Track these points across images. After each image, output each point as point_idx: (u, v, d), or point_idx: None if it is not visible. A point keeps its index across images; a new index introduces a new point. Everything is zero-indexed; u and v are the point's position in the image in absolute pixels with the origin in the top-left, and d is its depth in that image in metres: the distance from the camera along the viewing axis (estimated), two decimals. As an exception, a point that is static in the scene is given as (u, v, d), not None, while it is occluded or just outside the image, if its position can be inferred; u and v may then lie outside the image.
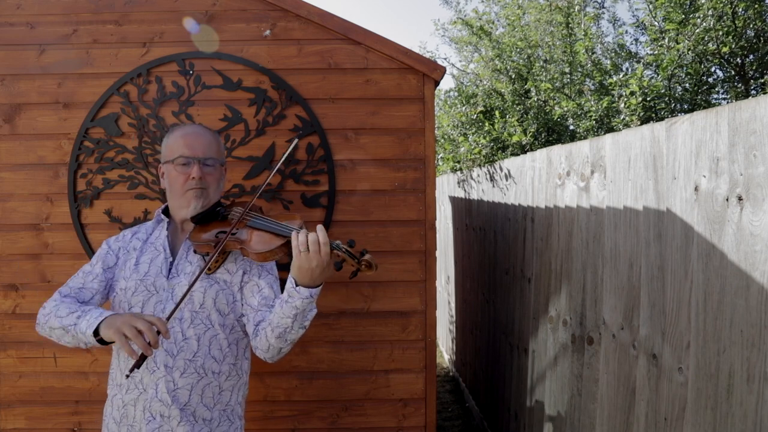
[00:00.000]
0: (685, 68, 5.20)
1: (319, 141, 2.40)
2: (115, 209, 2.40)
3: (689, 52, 5.06)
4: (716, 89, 5.78)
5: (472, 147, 5.66)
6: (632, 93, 4.78)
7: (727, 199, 1.40)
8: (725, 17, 5.10)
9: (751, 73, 5.61)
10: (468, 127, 6.06)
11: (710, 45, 5.16)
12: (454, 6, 8.70)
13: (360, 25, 2.40)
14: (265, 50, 2.39)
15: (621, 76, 5.06)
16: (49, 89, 2.38)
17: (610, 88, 5.25)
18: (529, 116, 5.77)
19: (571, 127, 5.94)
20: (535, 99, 5.94)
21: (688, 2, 5.29)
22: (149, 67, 2.38)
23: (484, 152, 5.60)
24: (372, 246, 2.41)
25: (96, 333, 1.45)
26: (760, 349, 1.29)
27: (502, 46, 6.68)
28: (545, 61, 6.47)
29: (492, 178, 3.58)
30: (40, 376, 2.41)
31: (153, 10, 2.38)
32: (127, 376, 1.48)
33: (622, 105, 4.86)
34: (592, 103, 5.24)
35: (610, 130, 5.17)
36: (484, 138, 5.68)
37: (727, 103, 3.75)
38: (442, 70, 2.42)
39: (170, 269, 1.67)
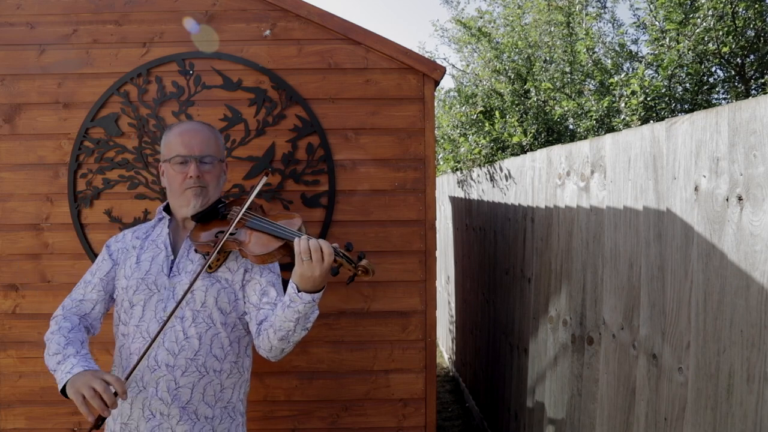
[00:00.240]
0: (685, 68, 5.20)
1: (319, 141, 2.40)
2: (115, 209, 2.40)
3: (689, 52, 5.06)
4: (716, 89, 5.78)
5: (472, 147, 5.66)
6: (633, 93, 4.78)
7: (727, 199, 1.40)
8: (725, 17, 5.10)
9: (752, 73, 5.61)
10: (468, 127, 6.06)
11: (710, 45, 5.16)
12: (454, 6, 8.70)
13: (360, 25, 2.40)
14: (265, 50, 2.39)
15: (622, 75, 5.06)
16: (49, 89, 2.38)
17: (610, 87, 5.25)
18: (529, 116, 5.77)
19: (571, 127, 5.94)
20: (535, 99, 5.94)
21: (688, 2, 5.29)
22: (149, 67, 2.38)
23: (484, 152, 5.60)
24: (372, 246, 2.41)
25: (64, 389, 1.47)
26: (760, 349, 1.29)
27: (501, 47, 6.68)
28: (545, 61, 6.47)
29: (492, 178, 3.58)
30: (40, 376, 2.41)
31: (153, 10, 2.38)
32: None
33: (623, 105, 4.86)
34: (593, 102, 5.24)
35: (611, 130, 5.17)
36: (484, 138, 5.68)
37: (728, 103, 3.75)
38: (442, 70, 2.42)
39: (171, 267, 1.67)
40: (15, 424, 2.43)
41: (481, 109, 6.11)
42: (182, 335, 1.61)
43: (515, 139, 5.54)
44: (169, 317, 1.52)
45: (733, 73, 5.68)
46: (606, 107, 5.12)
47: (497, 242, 3.43)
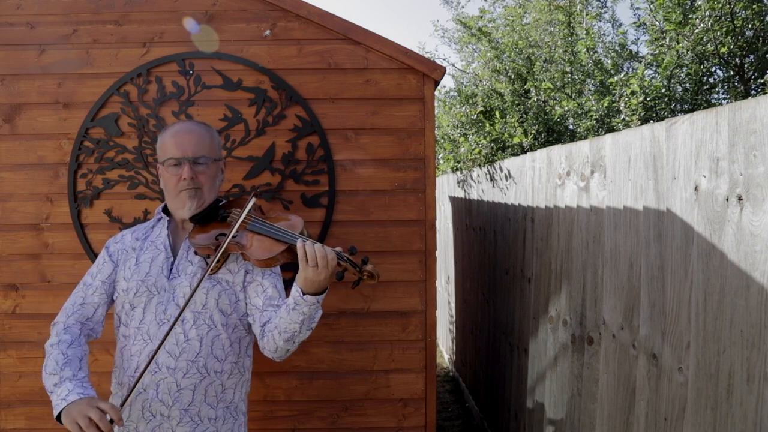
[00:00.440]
0: (684, 68, 5.21)
1: (319, 141, 2.40)
2: (115, 209, 2.40)
3: (688, 53, 5.06)
4: (716, 89, 5.78)
5: (472, 147, 5.66)
6: (633, 93, 4.78)
7: (727, 199, 1.40)
8: (724, 17, 5.10)
9: (751, 73, 5.61)
10: (468, 127, 6.06)
11: (709, 45, 5.16)
12: (454, 6, 8.69)
13: (360, 25, 2.40)
14: (265, 50, 2.39)
15: (622, 75, 5.06)
16: (49, 89, 2.38)
17: (610, 87, 5.25)
18: (529, 116, 5.77)
19: (571, 127, 5.94)
20: (535, 99, 5.94)
21: (687, 2, 5.29)
22: (149, 67, 2.38)
23: (484, 152, 5.60)
24: (372, 246, 2.41)
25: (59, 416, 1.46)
26: (760, 349, 1.29)
27: (502, 47, 6.68)
28: (545, 60, 6.47)
29: (492, 178, 3.59)
30: (40, 376, 2.40)
31: (153, 10, 2.38)
32: None
33: (623, 105, 4.87)
34: (593, 102, 5.25)
35: (611, 129, 5.17)
36: (485, 138, 5.68)
37: (727, 103, 3.75)
38: (442, 70, 2.42)
39: (171, 269, 1.67)
40: (15, 424, 2.43)
41: (481, 109, 6.11)
42: (183, 337, 1.61)
43: (516, 140, 5.54)
44: (172, 326, 1.51)
45: (732, 73, 5.68)
46: (606, 107, 5.12)
47: (497, 242, 3.43)
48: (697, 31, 4.99)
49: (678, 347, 1.59)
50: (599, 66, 5.76)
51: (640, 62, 5.74)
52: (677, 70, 5.11)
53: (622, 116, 4.88)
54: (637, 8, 6.25)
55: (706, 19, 4.97)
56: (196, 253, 1.65)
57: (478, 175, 3.96)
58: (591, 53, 5.75)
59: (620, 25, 6.89)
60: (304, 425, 2.45)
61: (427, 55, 7.92)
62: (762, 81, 5.36)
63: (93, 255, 2.38)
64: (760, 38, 5.34)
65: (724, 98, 5.84)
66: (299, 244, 1.49)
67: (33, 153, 2.39)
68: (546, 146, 5.48)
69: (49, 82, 2.38)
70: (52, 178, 2.39)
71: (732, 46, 5.17)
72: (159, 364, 1.60)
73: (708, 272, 1.47)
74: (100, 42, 2.38)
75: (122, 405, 1.50)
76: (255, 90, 2.39)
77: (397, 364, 2.45)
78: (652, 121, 4.77)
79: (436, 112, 6.13)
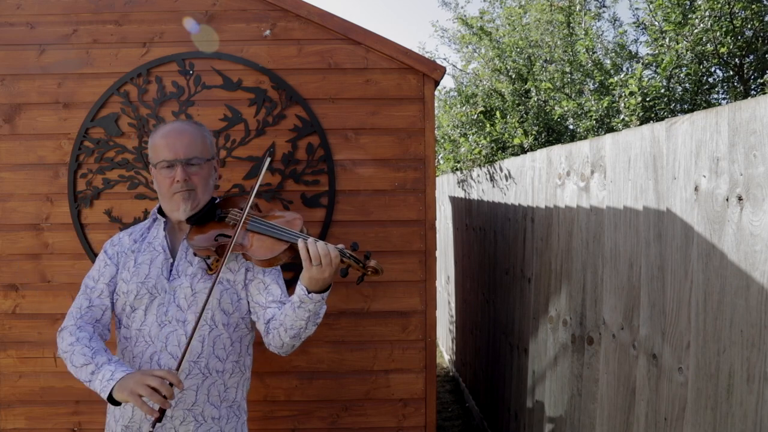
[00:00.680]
0: (684, 68, 5.21)
1: (319, 141, 2.40)
2: (115, 209, 2.40)
3: (688, 53, 5.06)
4: (716, 89, 5.79)
5: (473, 147, 5.66)
6: (631, 93, 4.78)
7: (727, 199, 1.40)
8: (723, 18, 5.10)
9: (750, 73, 5.61)
10: (468, 127, 6.06)
11: (709, 45, 5.17)
12: (453, 7, 8.69)
13: (360, 25, 2.40)
14: (265, 50, 2.39)
15: (621, 75, 5.06)
16: (49, 89, 2.38)
17: (610, 87, 5.25)
18: (530, 117, 5.77)
19: (571, 127, 5.94)
20: (535, 99, 5.94)
21: (687, 2, 5.30)
22: (149, 67, 2.38)
23: (484, 152, 5.60)
24: (372, 246, 2.41)
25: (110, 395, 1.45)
26: (760, 349, 1.29)
27: (503, 46, 6.68)
28: (545, 60, 6.47)
29: (492, 178, 3.59)
30: (40, 376, 2.41)
31: (153, 10, 2.38)
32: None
33: (622, 105, 4.87)
34: (593, 102, 5.25)
35: (611, 130, 5.17)
36: (485, 138, 5.69)
37: (727, 103, 3.75)
38: (442, 70, 2.42)
39: (171, 270, 1.66)
40: (15, 424, 2.43)
41: (482, 109, 6.11)
42: (184, 338, 1.61)
43: (516, 141, 5.54)
44: (197, 322, 1.50)
45: (731, 73, 5.69)
46: (606, 107, 5.12)
47: (497, 242, 3.44)
48: (696, 31, 5.00)
49: (678, 347, 1.59)
50: (599, 66, 5.76)
51: (639, 62, 5.74)
52: (677, 70, 5.11)
53: (622, 116, 4.88)
54: (637, 8, 6.25)
55: (706, 19, 4.97)
56: (195, 254, 1.65)
57: (478, 175, 3.96)
58: (590, 53, 5.75)
59: (620, 24, 6.89)
60: (304, 425, 2.45)
61: (427, 55, 7.93)
62: (762, 81, 5.36)
63: (93, 255, 2.38)
64: (760, 38, 5.34)
65: (724, 98, 5.84)
66: (301, 243, 1.49)
67: (33, 153, 2.39)
68: (546, 146, 5.48)
69: (49, 82, 2.38)
70: (52, 178, 2.39)
71: (731, 46, 5.17)
72: (161, 365, 1.59)
73: (708, 272, 1.47)
74: (100, 42, 2.38)
75: (177, 368, 1.48)
76: (255, 90, 2.39)
77: (397, 364, 2.45)
78: (651, 121, 4.77)
79: (436, 112, 6.13)
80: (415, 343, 2.45)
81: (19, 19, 2.37)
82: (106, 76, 2.38)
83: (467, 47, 8.07)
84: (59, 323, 2.34)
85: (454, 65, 8.45)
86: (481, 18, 7.85)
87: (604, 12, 6.82)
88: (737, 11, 5.12)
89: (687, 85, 5.36)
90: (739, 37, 5.23)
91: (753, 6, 5.06)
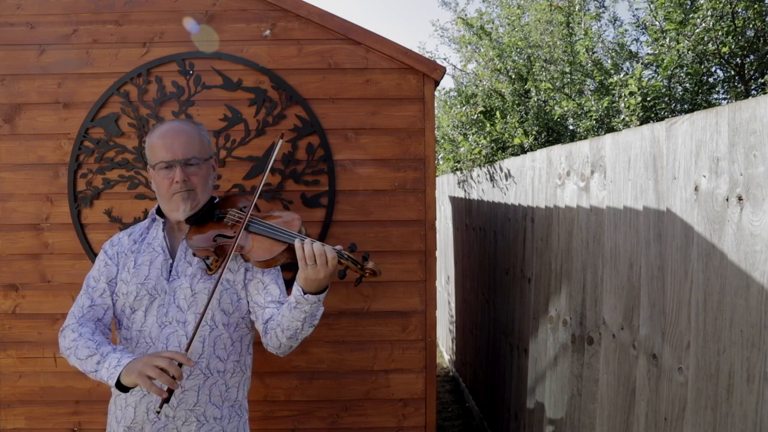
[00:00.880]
0: (685, 68, 5.20)
1: (319, 141, 2.40)
2: (115, 209, 2.40)
3: (689, 52, 5.06)
4: (716, 89, 5.78)
5: (472, 147, 5.66)
6: (631, 93, 4.78)
7: (727, 199, 1.40)
8: (725, 17, 5.10)
9: (751, 73, 5.61)
10: (468, 127, 6.06)
11: (710, 45, 5.16)
12: (453, 7, 8.69)
13: (360, 25, 2.40)
14: (265, 50, 2.39)
15: (621, 75, 5.06)
16: (49, 89, 2.38)
17: (610, 87, 5.25)
18: (530, 117, 5.77)
19: (571, 127, 5.94)
20: (535, 99, 5.94)
21: (688, 2, 5.29)
22: (149, 67, 2.38)
23: (484, 152, 5.60)
24: (372, 246, 2.41)
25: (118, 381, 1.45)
26: (760, 349, 1.29)
27: (502, 46, 6.68)
28: (545, 61, 6.47)
29: (492, 178, 3.58)
30: (40, 376, 2.41)
31: (153, 10, 2.38)
32: (158, 413, 1.44)
33: (622, 105, 4.87)
34: (593, 102, 5.24)
35: (611, 129, 5.17)
36: (485, 138, 5.68)
37: (727, 103, 3.75)
38: (442, 70, 2.42)
39: (170, 271, 1.66)
40: (15, 424, 2.43)
41: (482, 109, 6.11)
42: (185, 339, 1.61)
43: (516, 141, 5.54)
44: (198, 323, 1.50)
45: (732, 73, 5.68)
46: (606, 107, 5.12)
47: (497, 242, 3.43)
48: (698, 30, 4.99)
49: (678, 347, 1.59)
50: (599, 66, 5.76)
51: (639, 62, 5.74)
52: (678, 70, 5.11)
53: (622, 116, 4.88)
54: (637, 8, 6.25)
55: (708, 18, 4.96)
56: (194, 254, 1.64)
57: (478, 175, 3.96)
58: (590, 53, 5.75)
59: (620, 25, 6.89)
60: (304, 425, 2.45)
61: (427, 55, 7.93)
62: (762, 81, 5.36)
63: (93, 255, 2.38)
64: (761, 38, 5.34)
65: (725, 98, 5.84)
66: (297, 243, 1.48)
67: (33, 153, 2.39)
68: (546, 146, 5.48)
69: (49, 82, 2.38)
70: (52, 178, 2.39)
71: (733, 46, 5.17)
72: None
73: (708, 272, 1.47)
74: (100, 42, 2.38)
75: (187, 349, 1.47)
76: (255, 90, 2.39)
77: (397, 364, 2.45)
78: (652, 121, 4.77)
79: (436, 112, 6.13)
80: (415, 343, 2.45)
81: (19, 19, 2.37)
82: (106, 76, 2.38)
83: (467, 47, 8.07)
84: (59, 323, 2.34)
85: (453, 65, 8.45)
86: (480, 18, 7.85)
87: (603, 12, 6.82)
88: (739, 11, 5.12)
89: (687, 85, 5.35)
90: (741, 37, 5.23)
91: (755, 6, 5.05)
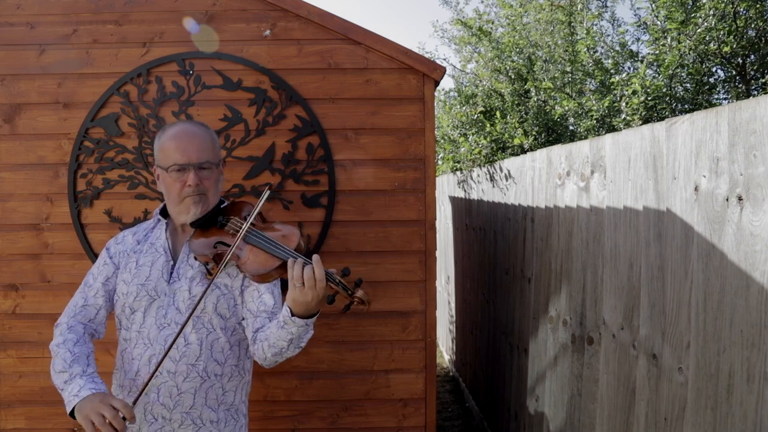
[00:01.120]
0: (686, 68, 5.20)
1: (319, 141, 2.40)
2: (115, 209, 2.40)
3: (690, 52, 5.06)
4: (717, 89, 5.78)
5: (472, 147, 5.66)
6: (634, 92, 4.78)
7: (727, 199, 1.39)
8: (727, 17, 5.09)
9: (752, 73, 5.60)
10: (468, 127, 6.05)
11: (711, 45, 5.16)
12: (453, 6, 8.69)
13: (360, 25, 2.40)
14: (265, 50, 2.39)
15: (623, 75, 5.05)
16: (49, 89, 2.38)
17: (611, 87, 5.25)
18: (530, 117, 5.76)
19: (572, 127, 5.93)
20: (535, 99, 5.94)
21: (690, 2, 5.29)
22: (149, 67, 2.38)
23: (484, 152, 5.60)
24: (372, 246, 2.41)
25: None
26: (760, 349, 1.29)
27: (502, 46, 6.68)
28: (545, 60, 6.46)
29: (492, 178, 3.58)
30: (40, 376, 2.41)
31: (153, 10, 2.38)
32: None
33: (624, 105, 4.86)
34: (593, 102, 5.24)
35: (611, 129, 5.17)
36: (485, 138, 5.68)
37: (728, 103, 3.74)
38: (442, 70, 2.42)
39: (171, 273, 1.66)
40: (15, 424, 2.43)
41: (482, 109, 6.11)
42: (183, 341, 1.60)
43: (516, 141, 5.54)
44: (178, 334, 1.50)
45: (734, 73, 5.68)
46: (607, 107, 5.12)
47: (497, 242, 3.43)
48: (699, 30, 4.99)
49: (678, 347, 1.59)
50: (599, 65, 5.75)
51: (641, 62, 5.74)
52: (679, 70, 5.10)
53: (623, 116, 4.88)
54: (638, 8, 6.25)
55: (709, 18, 4.96)
56: (195, 258, 1.64)
57: (478, 175, 3.96)
58: (591, 53, 5.75)
59: (620, 24, 6.88)
60: (304, 425, 2.45)
61: (427, 55, 7.92)
62: (763, 81, 5.35)
63: (93, 255, 2.38)
64: (763, 38, 5.33)
65: (725, 98, 5.83)
66: (290, 262, 1.45)
67: (33, 153, 2.39)
68: (546, 146, 5.48)
69: (49, 82, 2.38)
70: (52, 178, 2.40)
71: (734, 46, 5.16)
72: (160, 368, 1.59)
73: (708, 272, 1.47)
74: (100, 42, 2.38)
75: (134, 403, 1.49)
76: (255, 90, 2.39)
77: (397, 364, 2.45)
78: (652, 121, 4.76)
79: (436, 112, 6.13)
80: (415, 343, 2.45)
81: (19, 19, 2.38)
82: (106, 76, 2.38)
83: (467, 47, 8.06)
84: (59, 323, 2.34)
85: (453, 65, 8.45)
86: (480, 18, 7.85)
87: (605, 11, 6.81)
88: (741, 11, 5.11)
89: (688, 84, 5.35)
90: (742, 37, 5.22)
91: (757, 5, 5.05)
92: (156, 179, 1.70)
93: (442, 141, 6.40)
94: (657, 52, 5.35)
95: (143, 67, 2.37)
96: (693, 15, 5.14)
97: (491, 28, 7.74)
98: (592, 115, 5.28)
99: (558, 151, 2.47)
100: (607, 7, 6.84)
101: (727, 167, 1.39)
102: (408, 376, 2.45)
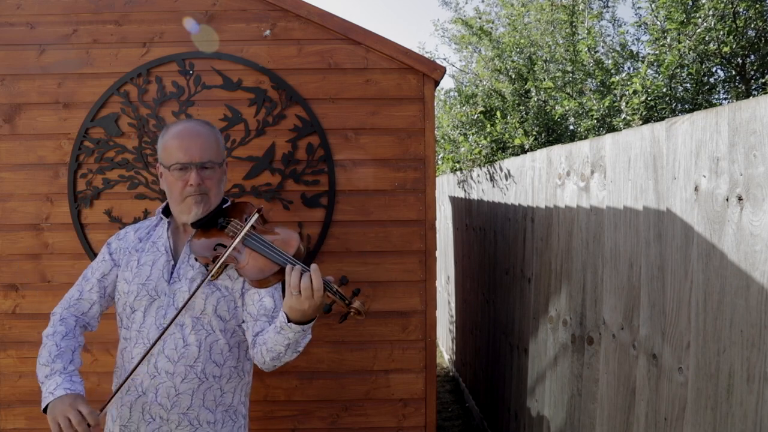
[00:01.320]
0: (686, 68, 5.20)
1: (319, 141, 2.40)
2: (115, 209, 2.40)
3: (690, 52, 5.06)
4: (717, 89, 5.78)
5: (473, 147, 5.65)
6: (635, 92, 4.78)
7: (727, 199, 1.39)
8: (726, 17, 5.09)
9: (752, 73, 5.61)
10: (468, 127, 6.05)
11: (711, 45, 5.16)
12: (453, 7, 8.69)
13: (360, 25, 2.40)
14: (265, 50, 2.39)
15: (623, 75, 5.05)
16: (49, 89, 2.38)
17: (611, 87, 5.25)
18: (530, 117, 5.76)
19: (572, 127, 5.94)
20: (536, 99, 5.94)
21: (689, 2, 5.29)
22: (149, 67, 2.38)
23: (484, 152, 5.60)
24: (372, 246, 2.41)
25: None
26: (760, 349, 1.29)
27: (503, 46, 6.68)
28: (546, 60, 6.46)
29: (492, 178, 3.58)
30: (40, 376, 2.41)
31: (153, 10, 2.38)
32: None
33: (624, 104, 4.86)
34: (594, 102, 5.24)
35: (612, 129, 5.17)
36: (485, 138, 5.68)
37: (728, 103, 3.74)
38: (442, 70, 2.42)
39: (172, 273, 1.65)
40: (15, 424, 2.43)
41: (482, 109, 6.11)
42: (182, 342, 1.60)
43: (517, 141, 5.54)
44: (165, 329, 1.50)
45: (733, 73, 5.68)
46: (607, 107, 5.12)
47: (497, 242, 3.43)
48: (699, 30, 4.99)
49: (678, 347, 1.59)
50: (600, 65, 5.75)
51: (641, 62, 5.74)
52: (678, 70, 5.10)
53: (623, 116, 4.88)
54: (639, 8, 6.25)
55: (709, 18, 4.96)
56: (196, 259, 1.63)
57: (478, 175, 3.96)
58: (592, 53, 5.75)
59: (621, 24, 6.88)
60: (304, 425, 2.45)
61: (427, 55, 7.92)
62: (763, 81, 5.35)
63: (93, 255, 2.38)
64: (762, 38, 5.33)
65: (725, 98, 5.83)
66: (288, 268, 1.43)
67: (33, 153, 2.39)
68: (546, 146, 5.48)
69: (49, 82, 2.38)
70: (52, 178, 2.40)
71: (734, 46, 5.17)
72: (158, 368, 1.58)
73: (708, 272, 1.47)
74: (100, 42, 2.38)
75: (101, 410, 1.50)
76: (255, 90, 2.39)
77: (397, 364, 2.45)
78: (652, 121, 4.76)
79: (436, 112, 6.12)
80: (415, 343, 2.45)
81: (19, 19, 2.38)
82: (106, 76, 2.38)
83: (467, 47, 8.06)
84: (59, 323, 2.34)
85: (453, 65, 8.45)
86: (480, 18, 7.85)
87: (606, 12, 6.82)
88: (740, 11, 5.12)
89: (688, 84, 5.35)
90: (742, 37, 5.22)
91: (756, 5, 5.05)
92: (159, 177, 1.69)
93: (442, 141, 6.40)
94: (657, 52, 5.35)
95: (143, 67, 2.37)
96: (693, 15, 5.14)
97: (491, 27, 7.74)
98: (592, 115, 5.28)
99: (558, 151, 2.47)
100: (608, 7, 6.84)
101: (727, 167, 1.39)
102: (408, 376, 2.45)
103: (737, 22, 5.13)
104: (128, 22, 2.38)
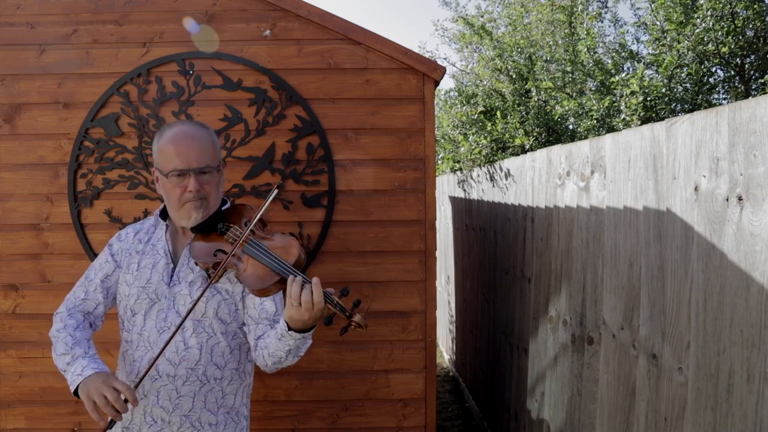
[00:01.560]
0: (685, 68, 5.20)
1: (319, 141, 2.40)
2: (115, 209, 2.40)
3: (689, 52, 5.06)
4: (716, 89, 5.78)
5: (473, 147, 5.65)
6: (633, 93, 4.78)
7: (727, 199, 1.40)
8: (725, 17, 5.10)
9: (751, 73, 5.61)
10: (468, 127, 6.05)
11: (710, 45, 5.16)
12: (453, 7, 8.69)
13: (360, 25, 2.40)
14: (265, 50, 2.39)
15: (623, 75, 5.06)
16: (49, 89, 2.38)
17: (611, 87, 5.25)
18: (530, 117, 5.77)
19: (571, 127, 5.94)
20: (536, 99, 5.94)
21: (689, 2, 5.29)
22: (149, 67, 2.38)
23: (484, 152, 5.60)
24: (372, 246, 2.41)
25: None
26: (760, 349, 1.29)
27: (503, 46, 6.68)
28: (546, 60, 6.47)
29: (492, 178, 3.58)
30: (40, 376, 2.41)
31: (153, 10, 2.38)
32: None
33: (623, 105, 4.87)
34: (594, 102, 5.24)
35: (611, 129, 5.17)
36: (485, 138, 5.68)
37: (728, 103, 3.75)
38: (442, 70, 2.42)
39: (171, 276, 1.64)
40: (15, 424, 2.43)
41: (482, 109, 6.11)
42: (183, 345, 1.60)
43: (517, 141, 5.54)
44: (171, 337, 1.50)
45: (732, 73, 5.68)
46: (607, 107, 5.12)
47: (497, 242, 3.43)
48: (698, 30, 4.99)
49: (678, 347, 1.59)
50: (600, 66, 5.76)
51: (641, 62, 5.74)
52: (678, 70, 5.11)
53: (623, 116, 4.88)
54: (638, 8, 6.25)
55: (708, 18, 4.96)
56: (195, 263, 1.63)
57: (478, 175, 3.96)
58: (592, 53, 5.75)
59: (622, 24, 6.89)
60: (304, 425, 2.45)
61: (427, 55, 7.92)
62: (762, 81, 5.35)
63: (93, 255, 2.38)
64: (761, 38, 5.34)
65: (725, 98, 5.84)
66: (290, 280, 1.43)
67: (33, 153, 2.39)
68: (546, 146, 5.48)
69: (49, 82, 2.38)
70: (52, 178, 2.40)
71: (733, 46, 5.17)
72: (159, 371, 1.58)
73: (708, 272, 1.47)
74: (100, 42, 2.38)
75: (136, 387, 1.49)
76: (255, 90, 2.39)
77: (397, 364, 2.45)
78: (652, 121, 4.76)
79: (436, 112, 6.13)
80: (415, 343, 2.45)
81: (19, 19, 2.37)
82: (106, 76, 2.38)
83: (468, 47, 8.06)
84: (59, 323, 2.34)
85: (453, 65, 8.45)
86: (481, 17, 7.85)
87: (606, 12, 6.82)
88: (739, 11, 5.12)
89: (688, 85, 5.35)
90: (741, 37, 5.23)
91: (755, 6, 5.06)
92: (155, 181, 1.67)
93: (442, 141, 6.40)
94: (656, 52, 5.36)
95: (143, 67, 2.37)
96: (691, 16, 5.14)
97: (492, 26, 7.74)
98: (592, 115, 5.28)
99: (558, 151, 2.47)
100: (607, 7, 6.84)
101: (727, 167, 1.39)
102: (408, 376, 2.45)
103: (736, 22, 5.13)
104: (128, 22, 2.38)
